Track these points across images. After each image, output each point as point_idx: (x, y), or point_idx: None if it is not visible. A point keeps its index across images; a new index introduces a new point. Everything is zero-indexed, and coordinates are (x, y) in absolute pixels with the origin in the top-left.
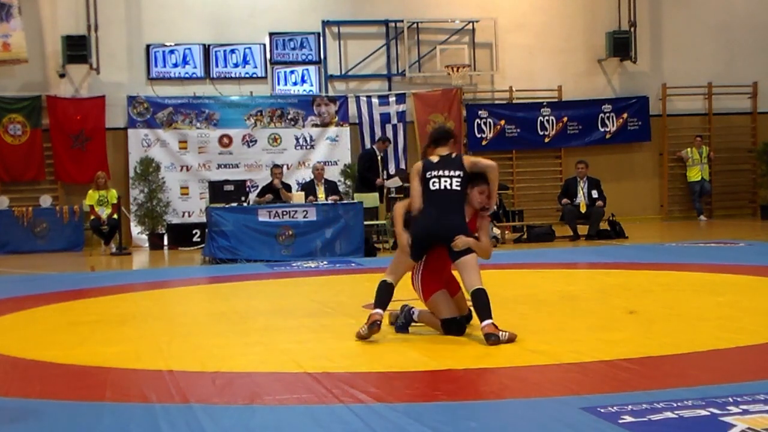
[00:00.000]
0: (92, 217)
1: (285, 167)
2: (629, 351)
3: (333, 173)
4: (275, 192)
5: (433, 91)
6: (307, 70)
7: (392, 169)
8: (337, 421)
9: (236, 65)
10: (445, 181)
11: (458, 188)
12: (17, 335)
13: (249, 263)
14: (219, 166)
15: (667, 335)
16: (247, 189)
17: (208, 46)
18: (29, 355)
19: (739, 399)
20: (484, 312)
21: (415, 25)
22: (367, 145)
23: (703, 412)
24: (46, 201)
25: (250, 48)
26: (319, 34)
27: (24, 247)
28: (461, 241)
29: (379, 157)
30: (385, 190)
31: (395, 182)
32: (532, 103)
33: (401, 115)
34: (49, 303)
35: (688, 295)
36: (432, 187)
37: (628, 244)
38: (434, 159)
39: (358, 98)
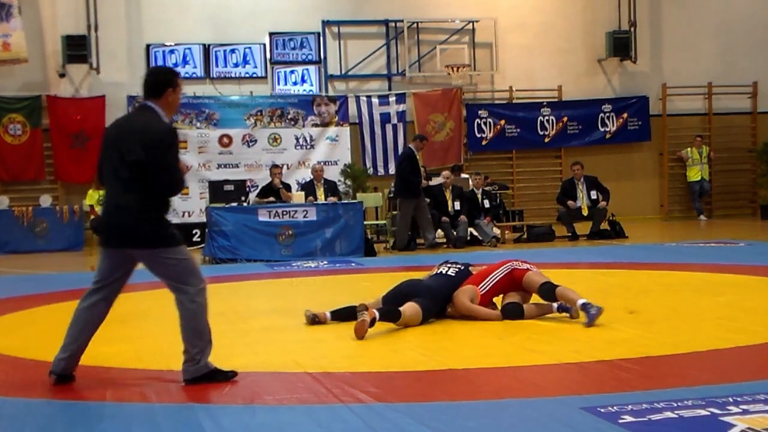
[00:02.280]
0: (92, 217)
1: (285, 167)
2: (629, 351)
3: (333, 173)
4: (275, 192)
5: (433, 91)
6: (307, 70)
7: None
8: (337, 421)
9: (236, 65)
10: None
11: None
12: (17, 335)
13: (249, 263)
14: (219, 166)
15: (667, 335)
16: (247, 189)
17: (208, 46)
18: (29, 355)
19: (739, 399)
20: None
21: (415, 25)
22: (367, 145)
23: (703, 412)
24: (46, 201)
25: (250, 48)
26: (319, 34)
27: (24, 246)
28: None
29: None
30: None
31: (439, 182)
32: (532, 103)
33: (401, 115)
34: (49, 303)
35: (688, 295)
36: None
37: (628, 244)
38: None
39: (358, 98)
